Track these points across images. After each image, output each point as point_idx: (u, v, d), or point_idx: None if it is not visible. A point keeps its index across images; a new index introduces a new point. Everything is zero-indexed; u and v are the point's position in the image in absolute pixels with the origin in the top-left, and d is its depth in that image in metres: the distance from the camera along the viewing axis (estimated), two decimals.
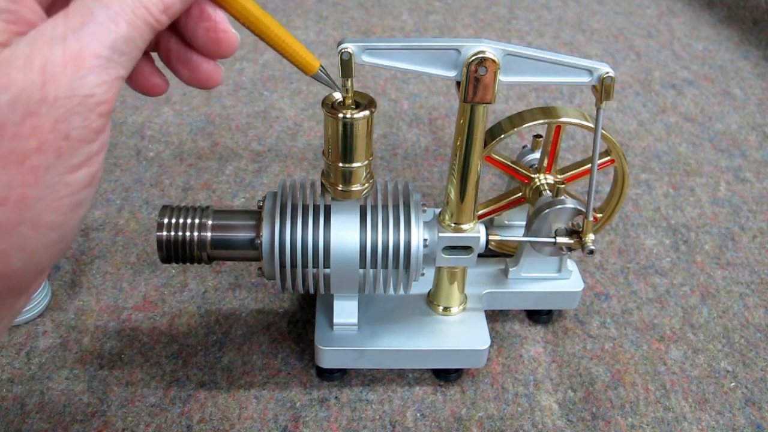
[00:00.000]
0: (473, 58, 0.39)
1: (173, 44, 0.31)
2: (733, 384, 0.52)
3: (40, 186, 0.24)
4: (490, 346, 0.51)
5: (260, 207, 0.46)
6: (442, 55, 0.40)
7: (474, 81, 0.40)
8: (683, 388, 0.52)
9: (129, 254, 0.61)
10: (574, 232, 0.49)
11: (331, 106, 0.41)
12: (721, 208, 0.69)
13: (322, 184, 0.45)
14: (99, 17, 0.25)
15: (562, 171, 0.54)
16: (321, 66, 0.37)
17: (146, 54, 0.32)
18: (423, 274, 0.47)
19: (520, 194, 0.55)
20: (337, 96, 0.42)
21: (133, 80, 0.32)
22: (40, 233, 0.25)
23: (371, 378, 0.51)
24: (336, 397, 0.50)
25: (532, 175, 0.54)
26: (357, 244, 0.45)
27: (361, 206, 0.46)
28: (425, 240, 0.45)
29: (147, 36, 0.26)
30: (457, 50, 0.39)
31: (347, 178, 0.43)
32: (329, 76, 0.38)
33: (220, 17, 0.30)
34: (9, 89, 0.23)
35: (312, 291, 0.47)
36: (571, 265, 0.54)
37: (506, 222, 0.59)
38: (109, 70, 0.25)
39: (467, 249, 0.47)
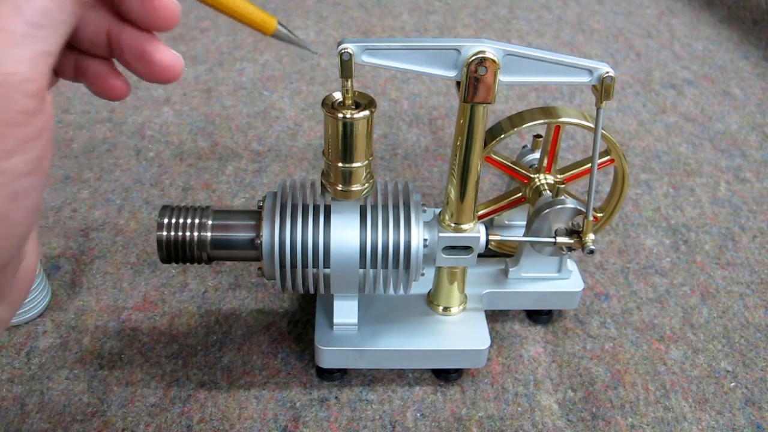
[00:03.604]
0: (473, 58, 0.39)
1: (124, 39, 0.29)
2: (733, 384, 0.52)
3: None
4: (490, 346, 0.51)
5: (260, 207, 0.46)
6: (442, 55, 0.39)
7: (474, 81, 0.40)
8: (683, 388, 0.52)
9: (129, 254, 0.61)
10: (574, 232, 0.49)
11: (331, 106, 0.41)
12: (721, 208, 0.69)
13: (322, 184, 0.45)
14: None
15: (562, 171, 0.54)
16: (279, 22, 0.34)
17: (105, 59, 0.31)
18: (423, 274, 0.47)
19: (520, 194, 0.55)
20: (337, 96, 0.42)
21: (92, 83, 0.31)
22: None
23: (371, 378, 0.51)
24: (336, 397, 0.50)
25: (532, 176, 0.54)
26: (357, 244, 0.45)
27: (361, 206, 0.46)
28: (425, 240, 0.45)
29: (68, 8, 0.25)
30: (457, 50, 0.39)
31: (347, 178, 0.43)
32: (292, 32, 0.35)
33: None
34: None
35: (312, 291, 0.47)
36: (571, 265, 0.54)
37: (506, 222, 0.59)
38: (29, 45, 0.23)
39: (467, 249, 0.47)
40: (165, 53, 0.29)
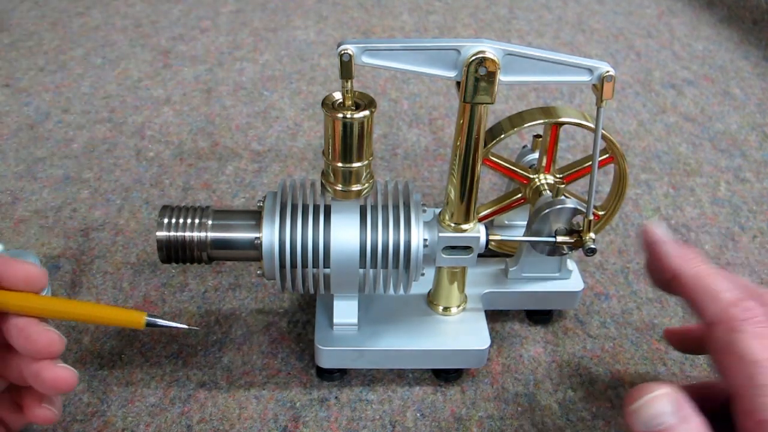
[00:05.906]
0: (473, 58, 0.39)
1: (23, 368, 0.37)
2: None
3: None
4: (490, 346, 0.51)
5: (260, 207, 0.46)
6: (442, 55, 0.40)
7: (474, 81, 0.40)
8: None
9: (129, 254, 0.61)
10: (575, 232, 0.49)
11: (331, 106, 0.41)
12: (721, 208, 0.69)
13: (322, 184, 0.45)
14: None
15: (561, 171, 0.54)
16: (147, 314, 0.39)
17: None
18: (423, 274, 0.47)
19: (519, 195, 0.55)
20: (337, 96, 0.42)
21: (25, 413, 0.39)
22: None
23: (371, 378, 0.51)
24: (336, 397, 0.50)
25: (531, 176, 0.53)
26: (357, 244, 0.45)
27: (361, 206, 0.46)
28: (425, 240, 0.45)
29: None
30: (457, 50, 0.39)
31: (347, 178, 0.43)
32: (163, 318, 0.40)
33: (23, 323, 0.36)
34: None
35: (312, 291, 0.47)
36: (571, 265, 0.54)
37: (506, 222, 0.59)
38: None
39: (467, 249, 0.47)
40: (53, 370, 0.36)
